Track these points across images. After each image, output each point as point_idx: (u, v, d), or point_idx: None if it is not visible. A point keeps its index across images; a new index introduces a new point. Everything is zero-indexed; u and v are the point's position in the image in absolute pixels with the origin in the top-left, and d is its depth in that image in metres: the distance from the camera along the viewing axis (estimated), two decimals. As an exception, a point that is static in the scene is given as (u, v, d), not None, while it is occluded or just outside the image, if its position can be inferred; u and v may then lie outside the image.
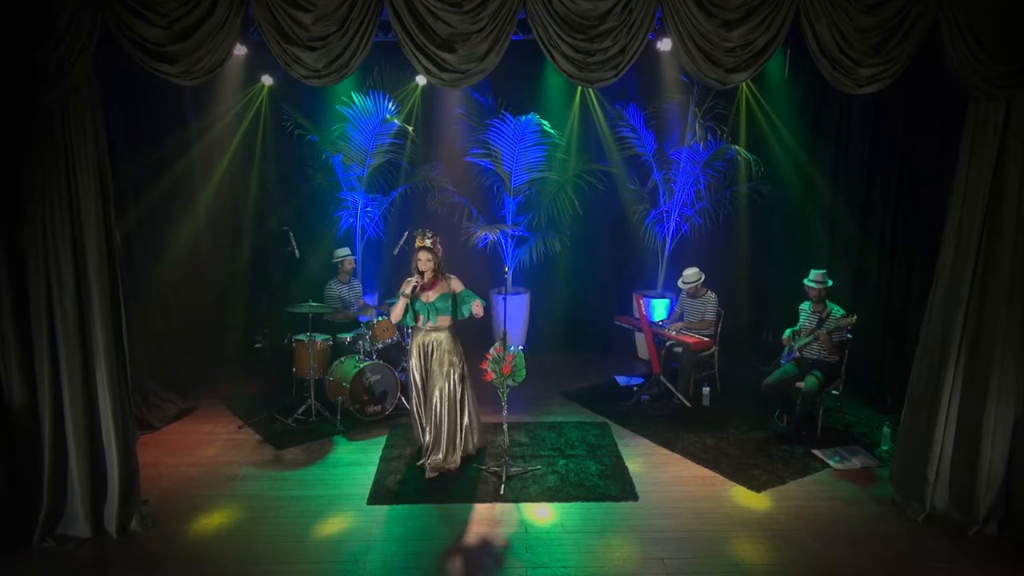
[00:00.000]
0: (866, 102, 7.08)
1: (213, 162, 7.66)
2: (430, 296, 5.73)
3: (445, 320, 5.77)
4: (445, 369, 5.74)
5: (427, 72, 4.62)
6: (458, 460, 5.84)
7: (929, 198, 6.59)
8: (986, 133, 4.66)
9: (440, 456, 5.78)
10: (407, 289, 5.61)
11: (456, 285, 5.79)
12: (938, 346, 5.03)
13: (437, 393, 5.73)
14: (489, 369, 5.57)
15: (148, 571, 4.58)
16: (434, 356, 5.76)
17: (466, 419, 5.90)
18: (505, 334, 5.65)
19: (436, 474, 5.72)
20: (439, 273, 5.74)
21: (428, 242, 5.67)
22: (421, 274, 5.65)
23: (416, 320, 5.76)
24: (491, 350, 5.58)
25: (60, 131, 4.61)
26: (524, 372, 5.59)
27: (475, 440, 6.02)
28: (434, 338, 5.77)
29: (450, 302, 5.74)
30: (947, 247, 4.94)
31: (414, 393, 5.87)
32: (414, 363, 5.80)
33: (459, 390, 5.82)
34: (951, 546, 4.83)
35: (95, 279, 4.77)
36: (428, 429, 5.82)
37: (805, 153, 7.81)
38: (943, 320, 4.98)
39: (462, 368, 5.83)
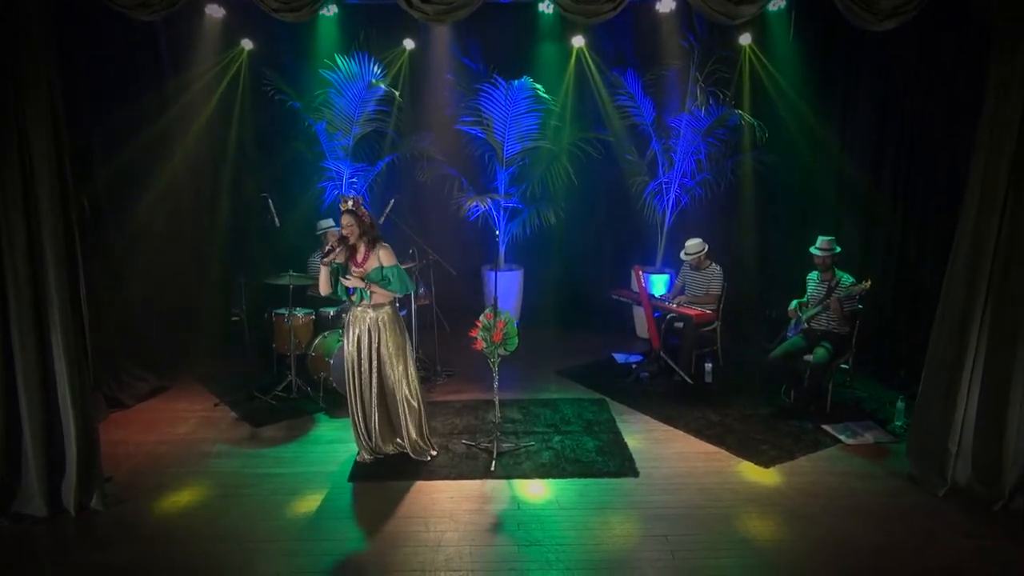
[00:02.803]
0: (873, 61, 6.78)
1: (189, 125, 7.24)
2: (361, 272, 5.08)
3: (383, 296, 5.10)
4: (392, 356, 5.12)
5: (409, 5, 4.24)
6: (392, 447, 5.29)
7: (942, 160, 6.27)
8: (1014, 76, 4.31)
9: (372, 443, 5.25)
10: (326, 256, 5.02)
11: (385, 258, 5.04)
12: (960, 306, 4.69)
13: (374, 381, 5.14)
14: (479, 337, 5.21)
15: (108, 550, 4.22)
16: (380, 339, 5.10)
17: (407, 418, 5.22)
18: (496, 300, 5.29)
19: (371, 457, 5.25)
20: (369, 243, 5.06)
21: (350, 204, 5.04)
22: (342, 239, 5.03)
23: (349, 296, 5.15)
24: (481, 317, 5.23)
25: (11, 80, 4.23)
26: (516, 340, 5.23)
27: (412, 438, 5.28)
28: (371, 317, 5.08)
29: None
30: (970, 199, 4.59)
31: (348, 376, 5.18)
32: (353, 346, 5.11)
33: (406, 382, 5.19)
34: (975, 522, 4.50)
35: (49, 239, 4.40)
36: (360, 417, 5.22)
37: (811, 117, 7.43)
38: (966, 277, 4.63)
39: (404, 356, 5.16)
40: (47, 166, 4.37)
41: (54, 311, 4.45)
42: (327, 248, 5.09)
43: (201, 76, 7.30)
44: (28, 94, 4.27)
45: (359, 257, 5.10)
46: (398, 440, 5.30)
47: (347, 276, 5.07)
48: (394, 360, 5.15)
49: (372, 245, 5.09)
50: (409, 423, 5.24)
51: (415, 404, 5.27)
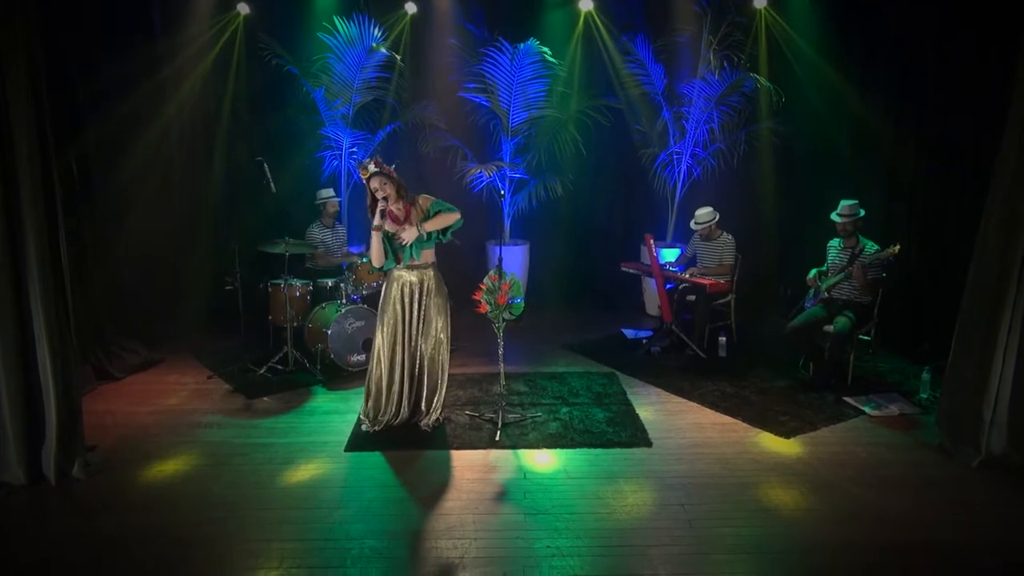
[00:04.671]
0: (895, 16, 6.48)
1: (181, 88, 6.97)
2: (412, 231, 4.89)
3: (428, 254, 4.96)
4: (434, 318, 4.95)
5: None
6: (405, 417, 5.04)
7: (969, 119, 5.96)
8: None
9: (386, 412, 4.99)
10: (376, 219, 4.78)
11: (425, 203, 4.88)
12: (995, 266, 4.39)
13: (423, 345, 4.96)
14: (483, 300, 4.94)
15: (90, 518, 3.95)
16: (422, 301, 4.93)
17: (437, 382, 5.05)
18: (500, 261, 5.02)
19: (375, 428, 4.97)
20: (407, 198, 4.88)
21: (372, 167, 4.77)
22: (382, 201, 4.79)
23: (397, 260, 4.92)
24: (485, 279, 4.96)
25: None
26: (523, 304, 4.97)
27: (439, 414, 5.09)
28: (419, 278, 4.93)
29: None
30: (1008, 150, 4.29)
31: (383, 343, 4.93)
32: (394, 307, 4.89)
33: (442, 347, 5.02)
34: (1012, 492, 4.22)
35: (27, 196, 4.12)
36: (385, 382, 4.96)
37: (831, 76, 7.08)
38: (1001, 235, 4.33)
39: (446, 319, 5.01)
40: (25, 121, 4.09)
41: (32, 271, 4.18)
42: (380, 210, 4.76)
43: (194, 39, 7.03)
44: (3, 44, 4.00)
45: (401, 218, 4.85)
46: (418, 407, 5.05)
47: (397, 236, 4.83)
48: (438, 322, 4.96)
49: (412, 201, 4.87)
50: (439, 387, 5.05)
51: (445, 368, 5.07)
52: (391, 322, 4.93)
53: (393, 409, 5.00)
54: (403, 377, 4.97)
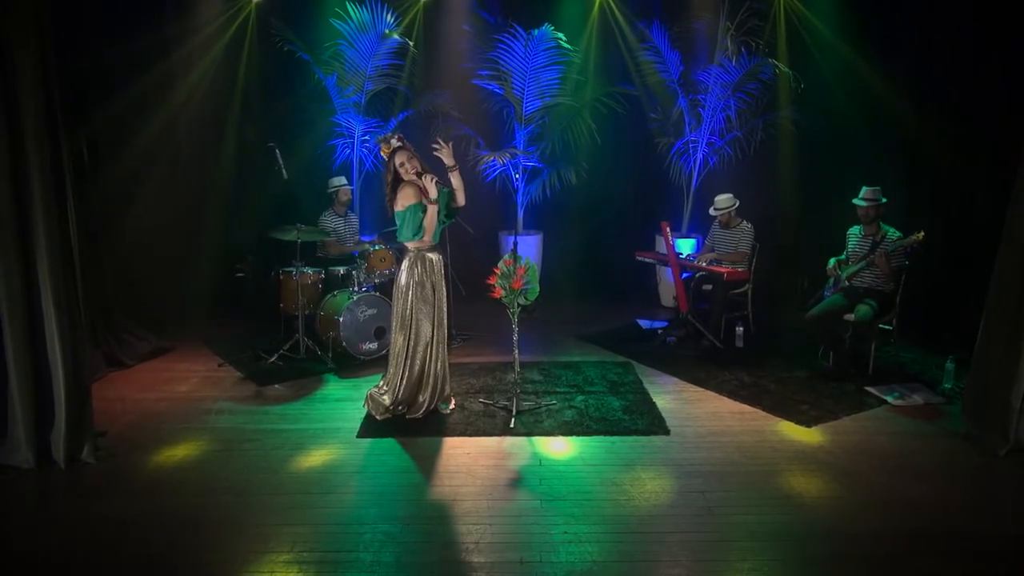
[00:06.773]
0: (915, 6, 6.34)
1: (191, 73, 6.92)
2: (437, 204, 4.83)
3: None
4: (441, 298, 4.89)
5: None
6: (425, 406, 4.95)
7: (994, 101, 5.82)
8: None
9: (405, 400, 4.91)
10: (433, 191, 4.62)
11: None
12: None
13: (437, 326, 4.88)
14: (497, 285, 4.85)
15: (97, 501, 3.89)
16: (436, 282, 4.85)
17: (447, 368, 5.05)
18: (516, 245, 4.92)
19: (388, 415, 4.89)
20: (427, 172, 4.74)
21: (395, 142, 4.68)
22: (421, 175, 4.66)
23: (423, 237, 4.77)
24: (500, 263, 4.87)
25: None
26: (538, 288, 4.88)
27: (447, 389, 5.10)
28: (435, 258, 4.87)
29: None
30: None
31: (409, 325, 4.81)
32: (428, 288, 4.79)
33: (446, 326, 4.98)
34: (1043, 482, 4.08)
35: (35, 171, 4.07)
36: (411, 371, 4.85)
37: (850, 57, 6.94)
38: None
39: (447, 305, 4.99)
40: (34, 104, 4.04)
41: (41, 249, 4.13)
42: (433, 179, 4.65)
43: (205, 24, 6.98)
44: (14, 28, 3.94)
45: (429, 191, 4.71)
46: (437, 394, 4.98)
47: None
48: (445, 308, 4.92)
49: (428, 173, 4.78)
50: (447, 374, 5.02)
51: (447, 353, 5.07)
52: (432, 302, 4.82)
53: (428, 396, 4.91)
54: (433, 364, 4.91)
